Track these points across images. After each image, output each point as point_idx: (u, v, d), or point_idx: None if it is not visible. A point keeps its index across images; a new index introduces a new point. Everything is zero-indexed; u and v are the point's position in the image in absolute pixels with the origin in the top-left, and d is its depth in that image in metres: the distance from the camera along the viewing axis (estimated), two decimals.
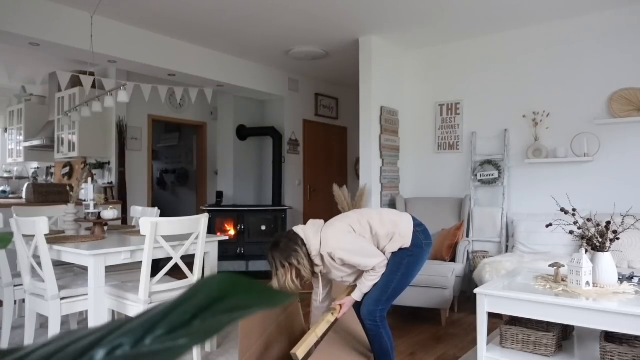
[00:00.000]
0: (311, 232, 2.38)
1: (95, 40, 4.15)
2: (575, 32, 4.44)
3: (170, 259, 2.74)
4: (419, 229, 2.48)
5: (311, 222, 2.48)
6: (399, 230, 2.43)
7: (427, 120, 5.31)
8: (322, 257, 2.36)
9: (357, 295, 2.42)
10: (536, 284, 2.61)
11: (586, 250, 2.50)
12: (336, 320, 2.44)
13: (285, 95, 6.59)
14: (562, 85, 4.50)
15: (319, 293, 2.55)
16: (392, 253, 2.42)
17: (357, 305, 2.55)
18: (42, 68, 6.31)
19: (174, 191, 8.42)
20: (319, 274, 2.49)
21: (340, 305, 2.43)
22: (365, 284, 2.40)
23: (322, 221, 2.49)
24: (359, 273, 2.45)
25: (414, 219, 2.52)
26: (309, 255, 2.35)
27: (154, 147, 7.23)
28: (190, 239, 2.79)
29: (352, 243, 2.35)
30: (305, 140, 7.00)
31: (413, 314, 4.07)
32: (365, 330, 2.53)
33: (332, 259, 2.34)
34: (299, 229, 2.42)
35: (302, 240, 2.36)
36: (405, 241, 2.43)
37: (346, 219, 2.45)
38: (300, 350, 2.24)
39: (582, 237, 2.58)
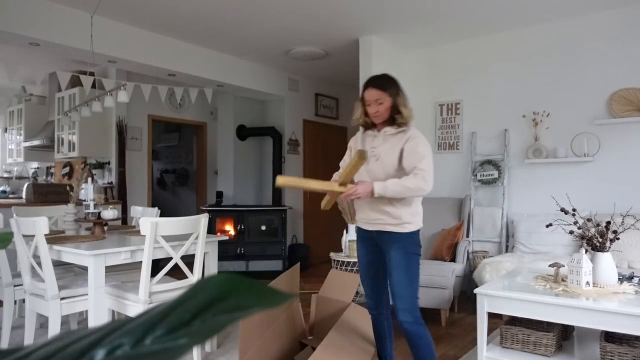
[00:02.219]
0: None
1: (95, 40, 4.15)
2: (575, 32, 4.44)
3: (170, 259, 2.74)
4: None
5: None
6: (415, 204, 2.35)
7: (427, 120, 5.31)
8: (402, 131, 2.30)
9: (378, 187, 2.17)
10: (536, 284, 2.61)
11: (586, 250, 2.50)
12: (339, 194, 2.23)
13: (285, 95, 6.59)
14: (562, 85, 4.50)
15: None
16: (401, 247, 2.30)
17: (373, 303, 2.49)
18: (42, 68, 6.31)
19: (174, 191, 8.42)
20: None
21: (355, 184, 2.22)
22: (398, 185, 2.17)
23: None
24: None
25: None
26: (408, 120, 2.32)
27: (154, 147, 7.23)
28: (190, 239, 2.79)
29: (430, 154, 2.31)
30: (305, 140, 7.00)
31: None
32: (378, 332, 2.43)
33: (406, 141, 2.27)
34: None
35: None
36: (418, 219, 2.35)
37: None
38: (282, 179, 2.17)
39: (582, 237, 2.58)
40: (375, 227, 2.37)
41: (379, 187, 2.18)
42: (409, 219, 2.31)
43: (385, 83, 2.34)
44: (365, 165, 2.28)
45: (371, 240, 2.45)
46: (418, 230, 2.36)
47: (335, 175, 2.51)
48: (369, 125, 2.44)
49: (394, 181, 2.19)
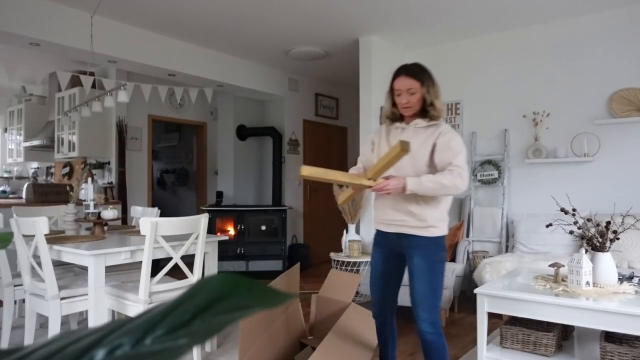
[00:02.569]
0: None
1: (95, 40, 4.15)
2: (575, 32, 4.44)
3: (170, 259, 2.74)
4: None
5: None
6: (444, 206, 2.21)
7: None
8: (433, 125, 2.17)
9: (412, 183, 2.00)
10: (536, 284, 2.61)
11: (586, 250, 2.49)
12: (365, 188, 2.04)
13: (285, 95, 6.59)
14: (562, 85, 4.50)
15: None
16: (425, 254, 2.17)
17: (379, 311, 2.38)
18: (42, 68, 6.31)
19: (174, 191, 8.42)
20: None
21: (386, 178, 2.03)
22: (433, 181, 2.01)
23: None
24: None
25: None
26: (440, 113, 2.18)
27: (154, 147, 7.23)
28: (190, 239, 2.79)
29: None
30: (305, 140, 7.00)
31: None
32: (423, 344, 2.21)
33: (439, 136, 2.13)
34: None
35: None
36: (443, 225, 2.20)
37: None
38: (307, 170, 1.98)
39: (582, 237, 2.58)
40: (397, 229, 2.21)
41: (413, 182, 2.00)
42: (435, 223, 2.15)
43: (418, 72, 2.17)
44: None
45: (390, 248, 2.30)
46: (444, 236, 2.20)
47: (353, 170, 2.36)
48: (396, 118, 2.27)
49: (429, 177, 2.02)
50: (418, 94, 2.15)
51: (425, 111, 2.19)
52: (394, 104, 2.24)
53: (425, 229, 2.15)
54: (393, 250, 2.29)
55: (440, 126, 2.17)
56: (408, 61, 2.32)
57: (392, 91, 2.23)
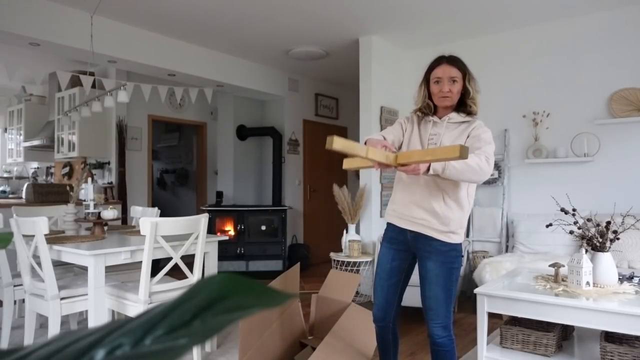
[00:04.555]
0: None
1: (95, 40, 4.15)
2: (575, 32, 4.44)
3: (170, 259, 2.74)
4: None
5: None
6: (466, 212, 2.11)
7: None
8: (466, 121, 2.09)
9: (438, 166, 1.84)
10: (536, 284, 2.61)
11: (586, 250, 2.49)
12: (393, 167, 1.82)
13: (285, 95, 6.59)
14: (562, 85, 4.50)
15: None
16: (439, 259, 2.08)
17: (381, 314, 2.24)
18: (42, 68, 6.31)
19: (174, 191, 8.42)
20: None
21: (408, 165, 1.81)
22: (463, 162, 1.84)
23: None
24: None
25: None
26: (477, 107, 2.09)
27: (154, 147, 7.23)
28: (190, 239, 2.79)
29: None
30: (305, 140, 7.00)
31: (413, 314, 4.07)
32: (433, 348, 2.14)
33: (472, 130, 2.06)
34: None
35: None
36: (462, 232, 2.11)
37: None
38: (339, 141, 1.58)
39: (582, 237, 2.58)
40: (416, 228, 2.09)
41: (439, 166, 1.84)
42: (456, 229, 2.07)
43: (461, 62, 2.09)
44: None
45: (402, 244, 2.18)
46: (461, 243, 2.14)
47: (377, 136, 2.11)
48: (430, 111, 2.16)
49: (455, 163, 1.86)
50: (460, 83, 2.07)
51: (464, 105, 2.10)
52: (429, 96, 2.15)
53: (446, 234, 2.06)
54: (405, 249, 2.18)
55: (474, 122, 2.10)
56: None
57: (426, 82, 2.14)
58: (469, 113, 2.10)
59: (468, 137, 2.06)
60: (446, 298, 2.07)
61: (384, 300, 2.22)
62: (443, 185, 2.06)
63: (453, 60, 2.09)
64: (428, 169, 1.84)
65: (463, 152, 1.61)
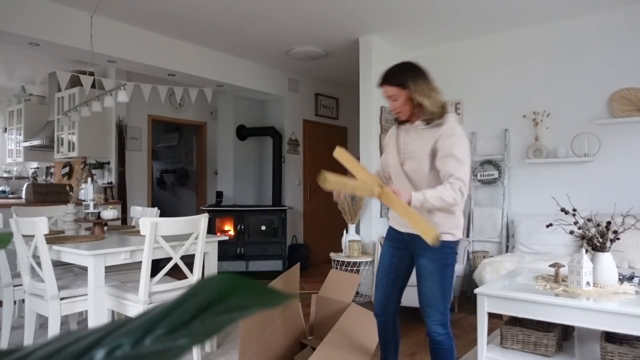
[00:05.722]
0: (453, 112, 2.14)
1: (95, 40, 4.15)
2: (575, 32, 4.44)
3: (170, 259, 2.73)
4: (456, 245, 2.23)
5: None
6: (458, 215, 2.13)
7: None
8: (436, 124, 2.05)
9: (416, 199, 1.90)
10: (536, 284, 2.61)
11: (586, 250, 2.49)
12: (378, 197, 1.89)
13: (285, 95, 6.59)
14: (562, 85, 4.50)
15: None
16: (433, 257, 2.11)
17: (381, 310, 2.32)
18: (42, 68, 6.31)
19: (174, 191, 8.42)
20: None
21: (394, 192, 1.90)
22: (435, 198, 1.91)
23: None
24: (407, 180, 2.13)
25: None
26: (438, 108, 2.05)
27: (153, 147, 7.23)
28: (190, 239, 2.79)
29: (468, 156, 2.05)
30: (305, 140, 7.00)
31: (413, 314, 4.07)
32: (432, 346, 2.17)
33: (443, 137, 2.02)
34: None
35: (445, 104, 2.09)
36: (458, 231, 2.14)
37: None
38: (342, 153, 1.96)
39: (583, 237, 2.58)
40: (410, 230, 2.15)
41: (417, 198, 1.90)
42: (447, 229, 2.11)
43: (396, 75, 2.07)
44: (400, 163, 2.13)
45: (401, 243, 2.26)
46: (458, 241, 2.17)
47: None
48: (404, 119, 2.19)
49: (432, 194, 1.92)
50: (401, 98, 2.07)
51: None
52: None
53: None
54: (404, 247, 2.26)
55: (443, 126, 2.04)
56: (408, 61, 2.27)
57: None
58: (429, 120, 2.07)
59: (437, 143, 2.03)
60: (441, 294, 2.10)
61: (383, 295, 2.32)
62: None
63: (386, 79, 2.11)
64: (409, 203, 1.90)
65: (435, 239, 1.79)
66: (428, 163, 2.06)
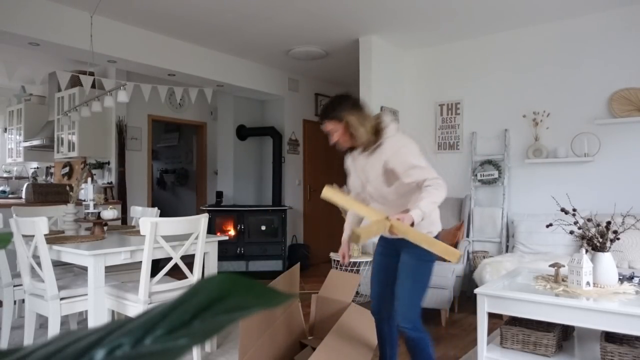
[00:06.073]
0: (395, 125, 2.24)
1: (95, 40, 4.15)
2: (575, 32, 4.44)
3: (170, 259, 2.73)
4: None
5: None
6: (430, 228, 2.23)
7: (427, 120, 5.31)
8: (379, 145, 2.15)
9: (417, 215, 1.96)
10: (536, 284, 2.61)
11: (586, 251, 2.49)
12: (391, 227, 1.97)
13: (285, 95, 6.59)
14: (562, 85, 4.50)
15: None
16: (415, 252, 2.19)
17: (377, 307, 2.45)
18: (42, 68, 6.31)
19: (174, 191, 8.42)
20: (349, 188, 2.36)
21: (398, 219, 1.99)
22: (429, 204, 2.00)
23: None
24: (382, 197, 2.23)
25: None
26: (372, 133, 2.16)
27: (153, 147, 7.23)
28: (190, 239, 2.79)
29: (420, 154, 2.16)
30: (305, 140, 7.00)
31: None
32: (379, 334, 2.36)
33: (393, 156, 2.12)
34: (385, 114, 2.30)
35: (380, 117, 2.22)
36: (435, 227, 2.26)
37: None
38: (329, 192, 2.07)
39: (583, 237, 2.58)
40: (394, 236, 2.20)
41: (417, 214, 1.97)
42: (427, 228, 2.22)
43: (330, 110, 2.20)
44: (363, 187, 2.28)
45: (390, 244, 2.39)
46: (437, 236, 2.27)
47: (350, 218, 2.54)
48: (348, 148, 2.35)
49: (424, 203, 1.99)
50: (338, 131, 2.19)
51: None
52: None
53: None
54: (393, 247, 2.37)
55: (383, 145, 2.16)
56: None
57: None
58: (365, 147, 2.20)
59: (387, 164, 2.13)
60: (412, 288, 2.21)
61: (377, 294, 2.46)
62: (404, 202, 2.18)
63: (323, 116, 2.23)
64: (412, 224, 1.98)
65: (458, 258, 1.88)
66: (385, 183, 2.18)
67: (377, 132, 2.18)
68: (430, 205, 2.02)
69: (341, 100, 2.21)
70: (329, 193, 2.09)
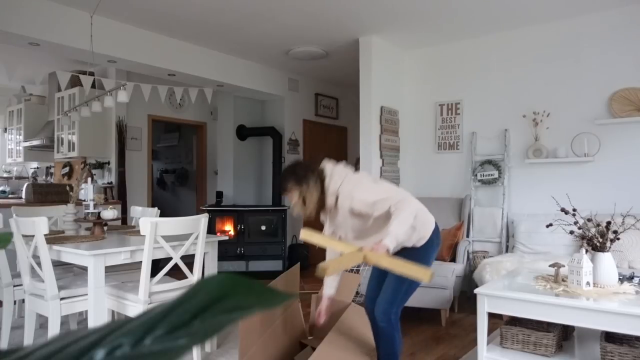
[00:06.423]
0: (338, 170, 2.31)
1: (95, 40, 4.14)
2: (575, 32, 4.44)
3: (170, 259, 2.73)
4: (437, 230, 2.42)
5: (342, 164, 2.40)
6: (421, 233, 2.33)
7: (427, 120, 5.31)
8: (336, 197, 2.26)
9: (390, 242, 2.01)
10: (536, 284, 2.61)
11: (586, 251, 2.49)
12: (364, 259, 2.03)
13: (285, 95, 6.59)
14: (562, 85, 4.50)
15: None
16: (403, 250, 2.31)
17: (371, 304, 2.50)
18: (42, 68, 6.30)
19: (174, 191, 8.42)
20: (326, 219, 2.46)
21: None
22: (400, 228, 2.06)
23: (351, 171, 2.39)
24: (364, 231, 2.31)
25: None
26: (322, 189, 2.27)
27: (153, 147, 7.22)
28: (190, 239, 2.79)
29: (374, 186, 2.27)
30: (305, 140, 7.00)
31: (413, 314, 4.07)
32: (375, 331, 2.44)
33: (348, 197, 2.22)
34: (326, 163, 2.37)
35: (323, 171, 2.30)
36: (426, 232, 2.35)
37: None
38: (307, 234, 2.19)
39: (583, 237, 2.58)
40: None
41: (389, 241, 2.02)
42: (417, 240, 2.32)
43: (286, 181, 2.32)
44: (347, 236, 2.37)
45: None
46: (430, 241, 2.34)
47: (332, 255, 2.59)
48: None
49: (394, 228, 2.06)
50: (298, 199, 2.29)
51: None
52: None
53: (410, 246, 2.33)
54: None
55: (339, 196, 2.25)
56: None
57: None
58: (322, 206, 2.31)
59: (352, 207, 2.23)
60: (395, 287, 2.29)
61: (372, 291, 2.53)
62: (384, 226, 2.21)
63: (282, 186, 2.35)
64: (388, 250, 2.03)
65: (430, 277, 1.89)
66: (363, 223, 2.28)
67: (326, 187, 2.27)
68: (400, 226, 2.08)
69: (291, 171, 2.33)
70: (307, 235, 2.21)
